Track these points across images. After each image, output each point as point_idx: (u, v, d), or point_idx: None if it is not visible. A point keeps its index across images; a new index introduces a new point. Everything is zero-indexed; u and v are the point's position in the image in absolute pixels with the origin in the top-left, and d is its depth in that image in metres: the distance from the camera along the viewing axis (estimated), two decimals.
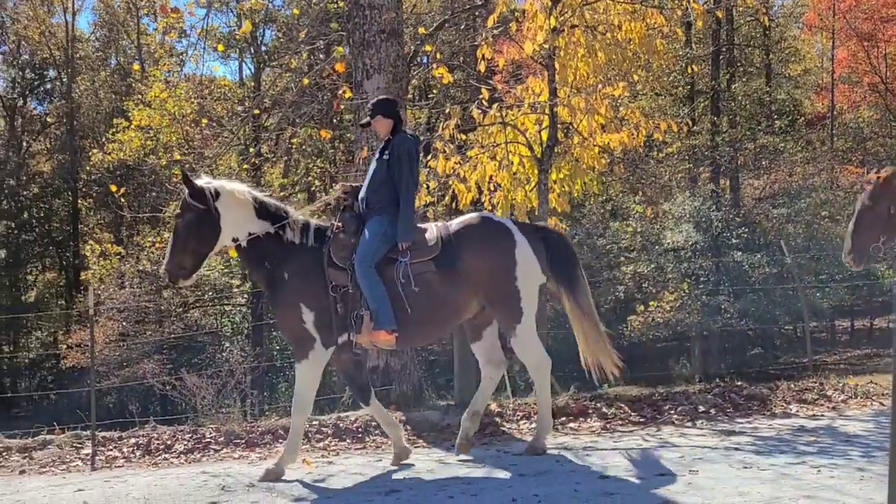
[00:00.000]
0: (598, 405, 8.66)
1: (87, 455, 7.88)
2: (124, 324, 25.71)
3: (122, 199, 27.33)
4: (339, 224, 6.62)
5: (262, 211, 6.65)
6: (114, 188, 15.44)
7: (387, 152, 6.76)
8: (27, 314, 34.02)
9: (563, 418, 8.28)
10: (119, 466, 7.55)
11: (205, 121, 21.09)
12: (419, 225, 6.81)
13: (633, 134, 10.13)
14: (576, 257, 7.22)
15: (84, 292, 28.74)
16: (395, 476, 6.47)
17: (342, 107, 13.91)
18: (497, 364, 7.13)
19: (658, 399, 8.76)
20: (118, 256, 26.90)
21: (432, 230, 6.68)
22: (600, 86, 9.89)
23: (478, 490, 5.95)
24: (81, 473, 7.35)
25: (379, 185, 6.71)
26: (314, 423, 8.36)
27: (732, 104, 28.70)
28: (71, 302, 35.65)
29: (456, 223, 6.81)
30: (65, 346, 28.77)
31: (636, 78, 10.77)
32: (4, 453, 8.07)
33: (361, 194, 6.81)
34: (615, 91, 9.95)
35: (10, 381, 40.88)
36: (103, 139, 29.93)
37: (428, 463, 6.87)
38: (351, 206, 6.79)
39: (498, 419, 8.45)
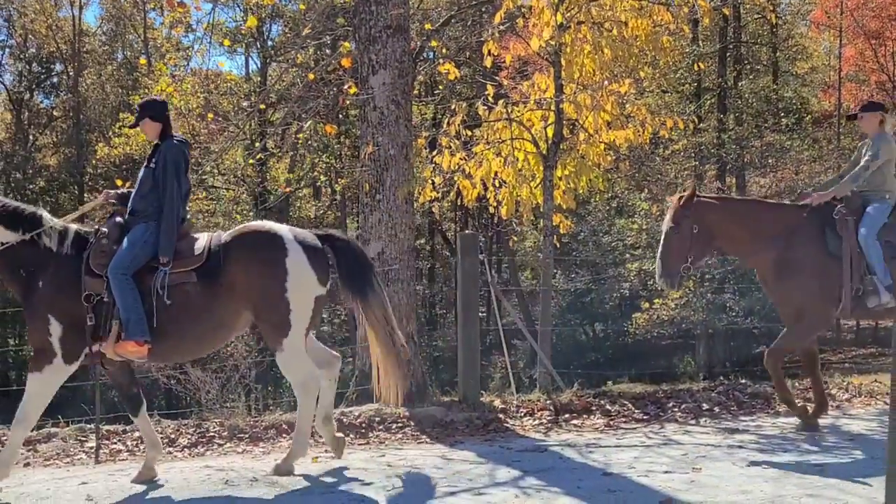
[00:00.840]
0: (602, 402, 8.66)
1: (91, 448, 7.89)
2: None
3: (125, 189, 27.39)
4: (104, 230, 6.32)
5: (12, 219, 6.32)
6: (119, 182, 15.41)
7: (154, 159, 6.46)
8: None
9: (567, 415, 8.28)
10: (123, 460, 7.56)
11: (211, 115, 21.12)
12: (195, 234, 6.50)
13: (639, 131, 10.12)
14: (368, 265, 6.88)
15: None
16: (398, 472, 6.47)
17: (348, 102, 13.91)
18: (326, 363, 6.87)
19: (662, 396, 8.76)
20: None
21: (202, 240, 6.36)
22: (606, 82, 9.88)
23: (481, 487, 5.95)
24: (85, 466, 7.35)
25: (147, 193, 6.40)
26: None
27: (739, 102, 28.68)
28: None
29: (229, 233, 6.50)
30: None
31: (643, 75, 10.77)
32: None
33: (130, 202, 6.52)
34: (621, 88, 9.94)
35: (16, 373, 40.94)
36: (109, 133, 29.97)
37: (431, 459, 6.87)
38: (122, 213, 6.49)
39: (501, 415, 8.46)
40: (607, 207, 27.29)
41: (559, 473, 6.22)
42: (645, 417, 8.33)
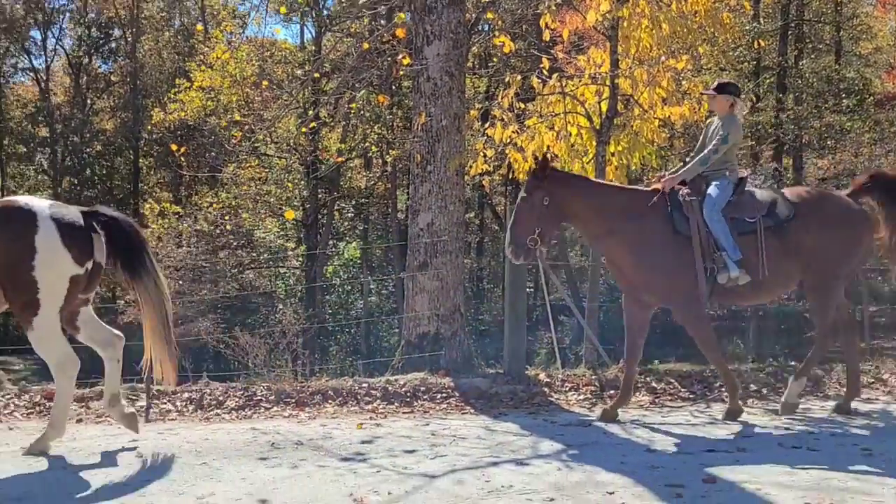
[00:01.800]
0: (648, 379, 8.62)
1: (141, 407, 8.04)
2: (181, 282, 26.07)
3: (182, 159, 27.74)
4: None
5: None
6: (174, 147, 15.65)
7: None
8: None
9: (612, 391, 8.25)
10: (172, 420, 7.71)
11: (265, 83, 21.20)
12: None
13: (694, 108, 9.97)
14: (140, 244, 6.61)
15: None
16: (441, 441, 6.50)
17: (401, 73, 13.91)
18: (108, 343, 6.69)
19: (709, 376, 8.68)
20: (176, 216, 27.27)
21: None
22: (663, 58, 9.74)
23: (524, 458, 5.97)
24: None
25: None
26: (363, 385, 8.45)
27: (799, 81, 28.10)
28: None
29: None
30: (123, 302, 29.31)
31: (701, 51, 10.58)
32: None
33: None
34: (678, 64, 9.79)
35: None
36: (165, 99, 30.25)
37: (475, 429, 6.90)
38: None
39: (546, 389, 8.46)
40: None
41: (602, 448, 6.21)
42: (691, 396, 8.28)
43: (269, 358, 9.33)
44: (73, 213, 6.32)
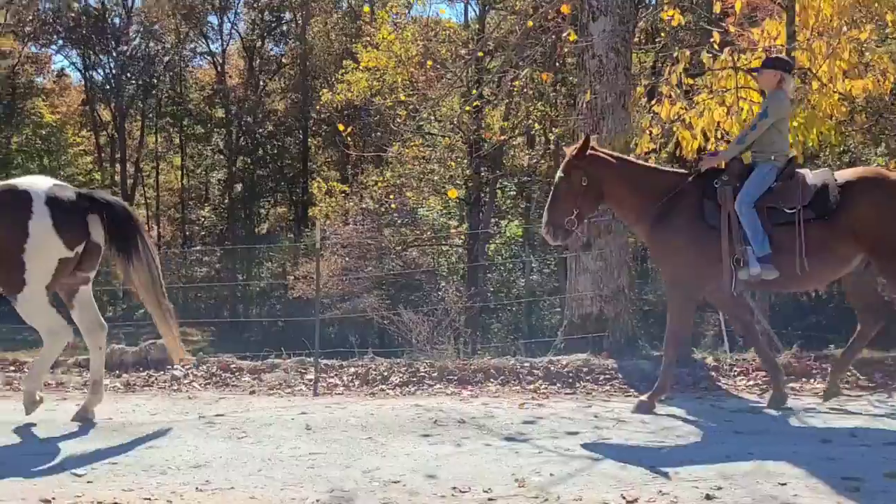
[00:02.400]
0: (823, 366, 8.21)
1: (310, 381, 8.31)
2: (347, 259, 26.77)
3: (349, 139, 28.36)
4: None
5: None
6: (341, 127, 15.98)
7: None
8: (259, 246, 36.10)
9: (784, 378, 7.92)
10: (339, 394, 7.92)
11: (430, 62, 21.36)
12: None
13: (878, 81, 9.40)
14: (136, 230, 6.76)
15: (311, 227, 30.16)
16: (604, 423, 6.40)
17: (566, 49, 13.75)
18: (91, 331, 6.79)
19: (891, 364, 8.20)
20: (343, 194, 27.94)
21: None
22: (845, 28, 9.22)
23: (690, 444, 5.81)
24: (305, 398, 7.76)
25: None
26: (525, 364, 8.43)
27: None
28: (299, 236, 37.59)
29: None
30: (292, 278, 30.39)
31: (888, 20, 9.94)
32: (237, 373, 8.64)
33: None
34: (861, 34, 9.24)
35: (243, 307, 43.67)
36: (333, 80, 31.02)
37: (639, 413, 6.76)
38: None
39: (713, 373, 8.21)
40: (838, 163, 25.67)
41: (773, 437, 5.96)
42: (871, 385, 7.84)
43: (432, 335, 9.44)
44: (69, 195, 6.60)
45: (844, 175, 6.73)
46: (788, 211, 6.51)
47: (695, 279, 6.79)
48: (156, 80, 46.57)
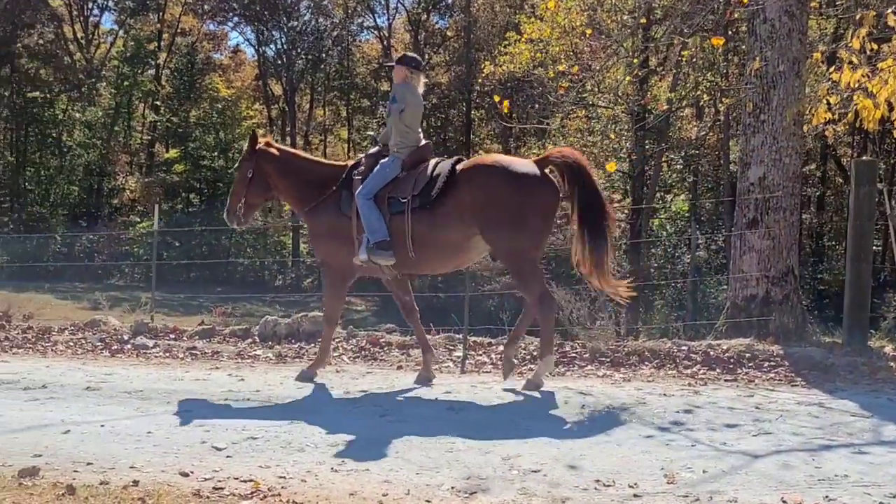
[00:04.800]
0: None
1: (458, 358, 8.16)
2: None
3: (506, 111, 28.03)
4: None
5: None
6: (497, 99, 15.73)
7: None
8: None
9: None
10: (486, 372, 7.72)
11: (588, 31, 20.80)
12: None
13: None
14: None
15: None
16: (767, 416, 5.94)
17: (736, 15, 12.99)
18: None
19: None
20: None
21: None
22: None
23: (863, 444, 5.30)
24: (451, 375, 7.60)
25: None
26: (683, 347, 8.01)
27: None
28: None
29: None
30: None
31: None
32: (386, 348, 8.59)
33: None
34: None
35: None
36: (495, 52, 30.76)
37: (805, 406, 6.25)
38: None
39: (893, 364, 7.54)
40: None
41: None
42: None
43: (589, 313, 9.09)
44: None
45: (465, 163, 6.97)
46: (402, 200, 6.89)
47: (339, 262, 7.23)
48: (324, 55, 47.62)
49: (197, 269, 42.16)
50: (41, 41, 46.53)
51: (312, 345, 8.75)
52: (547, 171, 6.78)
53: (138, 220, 45.92)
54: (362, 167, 7.21)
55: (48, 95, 46.63)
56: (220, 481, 4.55)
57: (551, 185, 6.75)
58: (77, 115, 46.43)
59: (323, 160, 8.27)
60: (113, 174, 46.78)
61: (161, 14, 49.93)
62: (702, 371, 7.49)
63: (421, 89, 7.38)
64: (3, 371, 7.71)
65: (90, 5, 50.12)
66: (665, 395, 6.57)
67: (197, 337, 9.38)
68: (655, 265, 28.08)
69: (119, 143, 47.97)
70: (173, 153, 47.42)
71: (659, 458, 4.94)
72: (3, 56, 44.66)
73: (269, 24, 48.22)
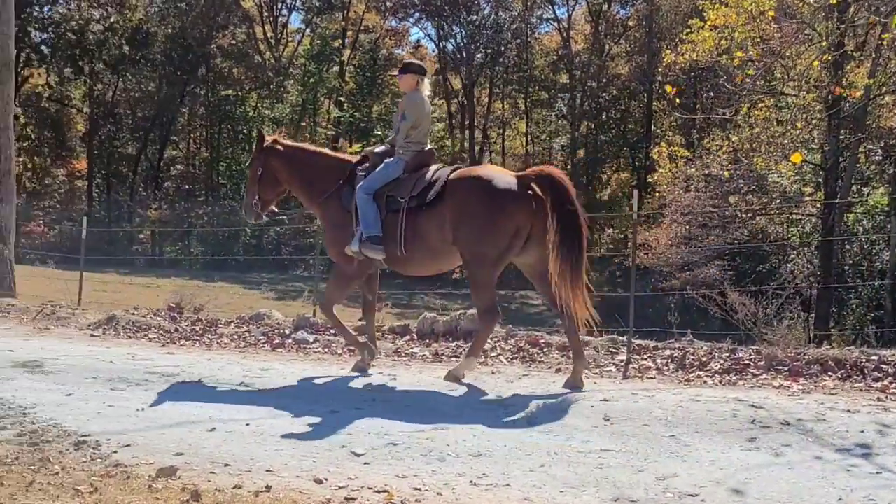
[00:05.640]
0: None
1: (620, 362, 7.70)
2: (687, 227, 25.61)
3: (675, 99, 27.02)
4: None
5: None
6: (669, 89, 15.03)
7: None
8: (598, 213, 35.76)
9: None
10: (650, 378, 7.23)
11: (771, 13, 19.64)
12: None
13: None
14: None
15: (651, 194, 29.27)
16: None
17: None
18: None
19: None
20: (684, 160, 26.76)
21: None
22: None
23: None
24: (612, 381, 7.15)
25: None
26: (872, 357, 7.23)
27: None
28: (640, 202, 36.70)
29: None
30: (631, 245, 29.67)
31: None
32: (545, 349, 8.22)
33: None
34: None
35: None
36: (677, 40, 29.71)
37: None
38: None
39: None
40: None
41: None
42: None
43: (776, 315, 8.31)
44: None
45: (456, 173, 7.10)
46: (400, 200, 7.09)
47: (343, 253, 7.33)
48: (503, 48, 47.53)
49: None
50: (234, 41, 48.65)
51: (470, 343, 8.49)
52: (529, 186, 6.82)
53: None
54: (367, 164, 7.48)
55: (240, 93, 48.80)
56: (353, 490, 4.34)
57: (526, 201, 6.77)
58: (266, 111, 48.31)
59: (329, 153, 8.30)
60: None
61: (345, 12, 51.22)
62: (894, 385, 6.71)
63: (427, 91, 7.58)
64: (167, 363, 7.85)
65: (279, 6, 52.03)
66: (849, 411, 5.89)
67: (357, 333, 9.30)
68: (850, 263, 26.38)
69: (305, 138, 49.52)
70: (356, 148, 48.48)
71: (837, 485, 4.38)
72: (199, 56, 46.97)
73: (450, 19, 48.58)
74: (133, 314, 10.48)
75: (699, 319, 15.84)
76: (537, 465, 4.72)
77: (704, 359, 7.46)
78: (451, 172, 7.10)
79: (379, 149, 7.62)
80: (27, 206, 50.79)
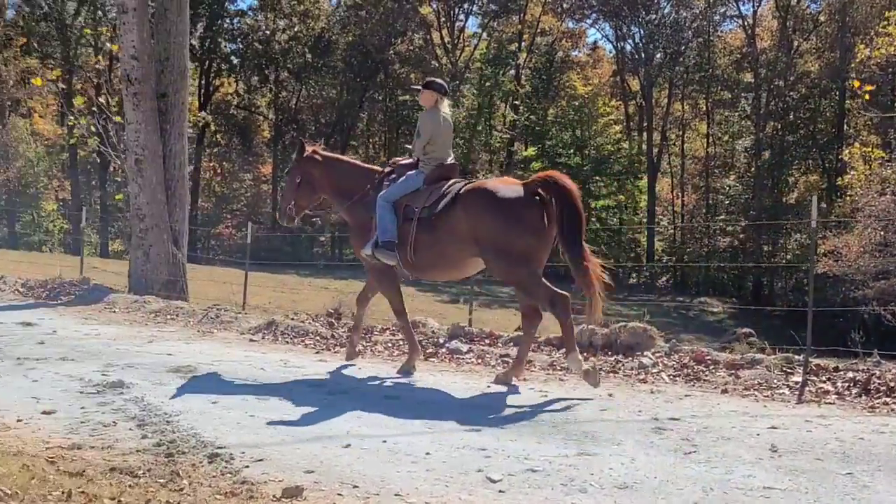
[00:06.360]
0: None
1: (795, 383, 7.01)
2: (881, 233, 23.87)
3: (866, 98, 25.27)
4: None
5: None
6: (856, 84, 13.89)
7: None
8: (785, 218, 33.99)
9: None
10: (829, 403, 6.52)
11: None
12: None
13: None
14: None
15: (841, 198, 27.51)
16: None
17: None
18: None
19: None
20: (879, 161, 25.01)
21: None
22: None
23: None
24: (785, 405, 6.50)
25: None
26: None
27: None
28: (830, 207, 34.66)
29: None
30: (821, 252, 27.98)
31: None
32: (712, 367, 7.61)
33: None
34: None
35: (768, 280, 41.68)
36: (872, 34, 27.82)
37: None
38: None
39: None
40: None
41: None
42: None
43: None
44: None
45: (468, 186, 7.45)
46: (416, 209, 7.52)
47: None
48: (683, 48, 46.13)
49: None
50: (411, 47, 49.35)
51: (630, 358, 7.99)
52: (535, 192, 7.11)
53: None
54: (392, 175, 7.96)
55: (417, 98, 49.36)
56: None
57: (535, 206, 7.09)
58: None
59: (361, 164, 8.86)
60: (474, 172, 48.48)
61: (522, 15, 51.03)
62: None
63: (447, 110, 7.99)
64: (317, 372, 7.76)
65: (456, 11, 52.38)
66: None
67: (511, 343, 8.97)
68: None
69: (480, 142, 49.65)
70: (531, 151, 48.27)
71: None
72: (378, 63, 47.91)
73: (628, 19, 47.57)
74: (292, 319, 10.51)
75: (889, 337, 14.60)
76: (689, 502, 4.24)
77: (893, 383, 6.67)
78: (463, 186, 7.48)
79: (405, 161, 8.11)
80: (216, 210, 53.34)
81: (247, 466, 4.81)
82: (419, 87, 8.19)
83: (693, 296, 40.54)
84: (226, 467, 4.80)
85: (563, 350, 7.75)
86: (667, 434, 5.53)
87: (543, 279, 7.11)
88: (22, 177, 45.27)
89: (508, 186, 7.26)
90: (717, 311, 37.09)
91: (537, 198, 7.10)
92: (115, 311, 11.67)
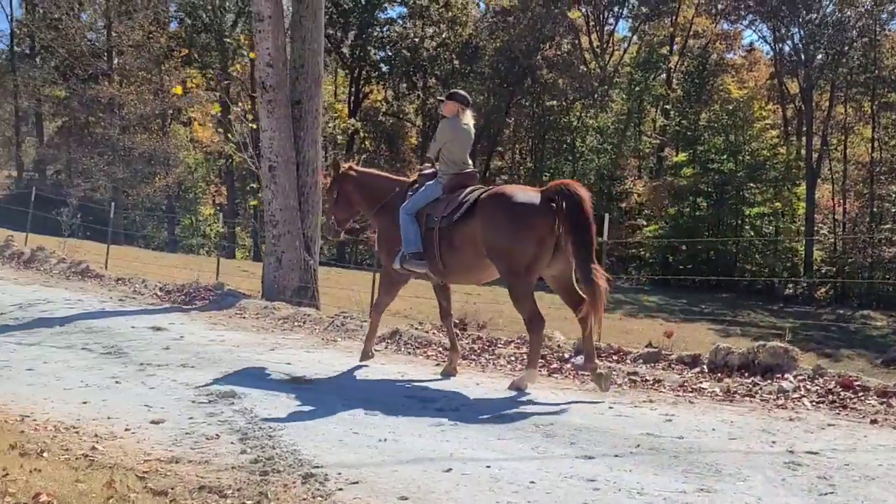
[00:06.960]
0: None
1: None
2: None
3: None
4: None
5: None
6: None
7: None
8: None
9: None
10: None
11: None
12: None
13: None
14: None
15: None
16: None
17: None
18: None
19: None
20: None
21: None
22: None
23: None
24: None
25: None
26: None
27: None
28: None
29: None
30: None
31: None
32: (861, 393, 6.92)
33: None
34: None
35: None
36: None
37: None
38: None
39: None
40: None
41: None
42: None
43: None
44: None
45: (486, 193, 7.56)
46: (436, 219, 7.69)
47: (389, 257, 8.15)
48: (847, 48, 43.85)
49: (702, 274, 41.31)
50: (559, 52, 48.79)
51: (769, 381, 7.38)
52: (551, 199, 7.17)
53: (644, 223, 46.18)
54: (415, 185, 8.17)
55: (564, 103, 48.88)
56: None
57: (548, 214, 7.15)
58: (590, 121, 48.03)
59: (392, 176, 9.12)
60: (622, 178, 47.49)
61: (674, 17, 49.73)
62: None
63: (469, 121, 8.10)
64: (433, 386, 7.52)
65: (606, 14, 51.52)
66: None
67: (641, 360, 8.47)
68: None
69: (629, 147, 48.61)
70: (682, 157, 46.95)
71: None
72: (525, 68, 47.56)
73: (786, 19, 45.59)
74: (416, 329, 10.30)
75: None
76: None
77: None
78: (482, 193, 7.59)
79: (428, 171, 8.26)
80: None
81: (340, 489, 4.60)
82: (443, 99, 8.37)
83: (855, 309, 38.44)
84: (318, 489, 4.60)
85: (647, 363, 8.25)
86: (801, 470, 4.99)
87: (533, 296, 7.31)
88: (181, 182, 47.23)
89: (525, 193, 7.44)
90: (882, 325, 34.95)
91: (552, 205, 7.16)
92: (244, 317, 11.75)
